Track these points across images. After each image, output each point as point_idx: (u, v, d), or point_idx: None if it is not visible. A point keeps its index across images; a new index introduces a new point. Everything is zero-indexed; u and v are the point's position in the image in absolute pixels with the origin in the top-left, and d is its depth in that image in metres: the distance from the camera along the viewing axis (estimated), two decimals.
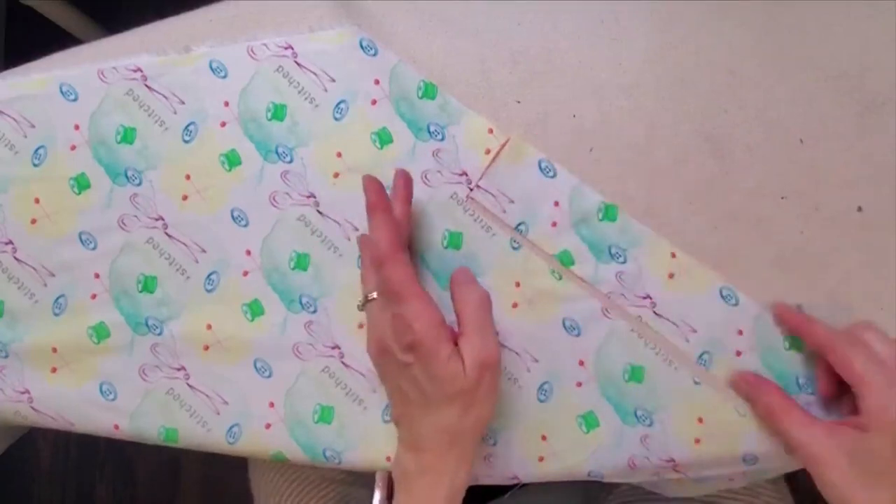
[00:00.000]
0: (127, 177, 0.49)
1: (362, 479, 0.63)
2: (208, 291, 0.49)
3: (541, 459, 0.48)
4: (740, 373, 0.47)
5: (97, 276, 0.49)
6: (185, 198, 0.49)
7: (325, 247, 0.49)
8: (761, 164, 0.48)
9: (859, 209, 0.48)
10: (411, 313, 0.40)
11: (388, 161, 0.48)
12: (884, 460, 0.40)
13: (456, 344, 0.42)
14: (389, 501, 0.45)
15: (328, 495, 0.61)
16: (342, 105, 0.49)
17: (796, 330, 0.46)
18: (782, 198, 0.48)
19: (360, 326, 0.48)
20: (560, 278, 0.48)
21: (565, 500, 0.66)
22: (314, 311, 0.49)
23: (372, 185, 0.44)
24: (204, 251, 0.49)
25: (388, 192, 0.46)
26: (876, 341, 0.43)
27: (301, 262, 0.49)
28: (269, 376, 0.49)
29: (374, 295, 0.43)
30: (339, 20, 0.49)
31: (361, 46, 0.49)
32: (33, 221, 0.49)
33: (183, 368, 0.49)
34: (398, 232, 0.43)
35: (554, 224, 0.48)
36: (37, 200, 0.49)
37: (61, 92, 0.49)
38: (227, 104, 0.49)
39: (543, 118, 0.48)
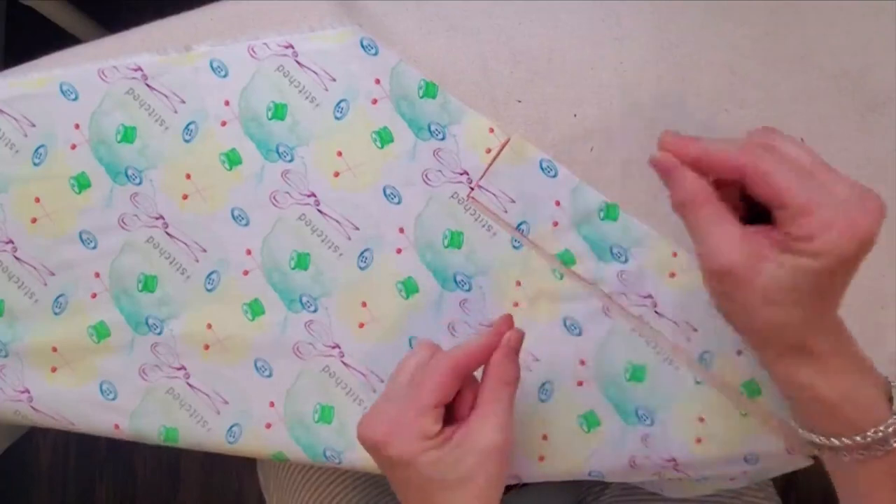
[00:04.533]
0: (127, 176, 0.49)
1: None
2: (209, 291, 0.49)
3: (541, 459, 0.48)
4: (660, 155, 0.36)
5: (97, 275, 0.49)
6: (185, 197, 0.49)
7: (325, 246, 0.49)
8: None
9: None
10: (380, 411, 0.40)
11: (389, 160, 0.48)
12: (833, 288, 0.34)
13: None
14: None
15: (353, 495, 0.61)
16: (343, 104, 0.49)
17: (690, 163, 0.35)
18: None
19: (361, 326, 0.48)
20: (561, 278, 0.48)
21: (561, 499, 0.66)
22: (314, 311, 0.48)
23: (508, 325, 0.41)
24: (204, 250, 0.49)
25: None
26: (788, 146, 0.34)
27: (301, 261, 0.49)
28: (270, 376, 0.49)
29: None
30: (340, 20, 0.49)
31: (362, 46, 0.49)
32: (33, 221, 0.49)
33: (183, 368, 0.49)
34: (480, 359, 0.40)
35: (555, 223, 0.48)
36: (37, 200, 0.49)
37: (62, 91, 0.49)
38: (227, 103, 0.49)
39: (544, 117, 0.48)
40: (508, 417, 0.39)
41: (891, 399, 0.36)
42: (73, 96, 0.49)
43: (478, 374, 0.42)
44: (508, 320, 0.41)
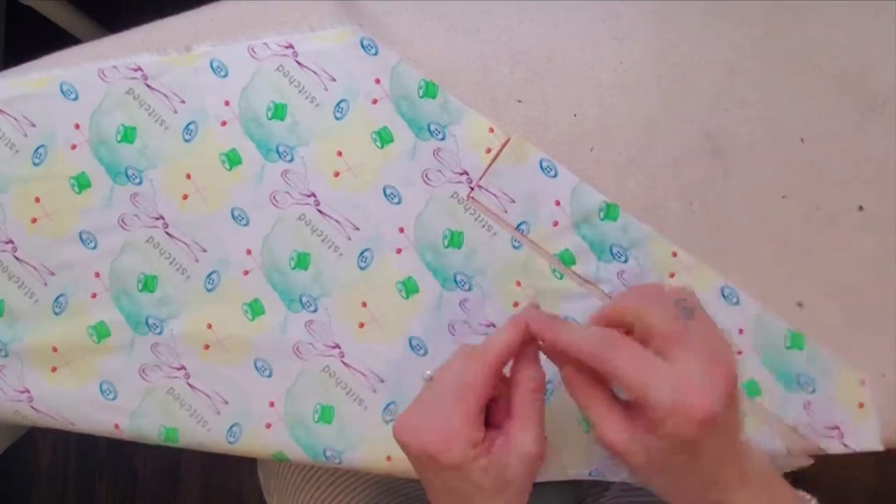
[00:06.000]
0: (127, 176, 0.49)
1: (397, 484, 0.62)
2: (209, 291, 0.49)
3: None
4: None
5: (97, 275, 0.49)
6: (185, 197, 0.49)
7: (325, 246, 0.49)
8: (762, 163, 0.48)
9: (860, 208, 0.48)
10: (456, 431, 0.38)
11: (389, 160, 0.48)
12: (707, 453, 0.36)
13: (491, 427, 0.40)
14: None
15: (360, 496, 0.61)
16: (343, 104, 0.49)
17: (541, 336, 0.40)
18: (783, 197, 0.48)
19: (361, 326, 0.48)
20: (561, 277, 0.48)
21: (561, 499, 0.66)
22: (315, 311, 0.48)
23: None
24: (204, 250, 0.49)
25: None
26: (650, 315, 0.36)
27: (301, 261, 0.49)
28: (270, 376, 0.49)
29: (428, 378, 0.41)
30: (340, 19, 0.49)
31: (362, 46, 0.49)
32: (33, 220, 0.49)
33: (183, 368, 0.49)
34: (510, 355, 0.40)
35: (555, 223, 0.48)
36: (37, 200, 0.49)
37: (62, 91, 0.49)
38: (227, 103, 0.49)
39: (544, 117, 0.48)
40: (543, 426, 0.40)
41: None
42: (73, 96, 0.49)
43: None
44: (522, 317, 0.40)
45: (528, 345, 0.40)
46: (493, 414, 0.41)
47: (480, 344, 0.40)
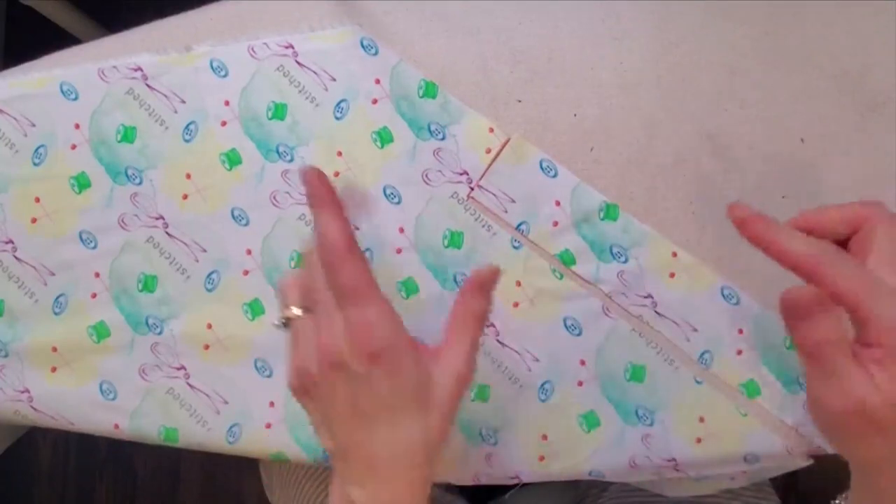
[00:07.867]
0: (127, 176, 0.49)
1: None
2: (209, 291, 0.49)
3: (541, 459, 0.48)
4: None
5: (97, 275, 0.49)
6: (185, 197, 0.49)
7: None
8: (762, 163, 0.48)
9: None
10: (376, 316, 0.36)
11: (389, 160, 0.48)
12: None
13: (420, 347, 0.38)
14: None
15: None
16: (343, 104, 0.49)
17: (757, 241, 0.36)
18: (783, 197, 0.48)
19: None
20: (561, 277, 0.48)
21: (561, 499, 0.66)
22: None
23: (316, 175, 0.38)
24: (204, 250, 0.49)
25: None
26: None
27: (301, 261, 0.49)
28: (270, 376, 0.48)
29: (299, 311, 0.38)
30: (340, 19, 0.49)
31: (362, 46, 0.49)
32: (33, 220, 0.49)
33: (183, 368, 0.49)
34: (350, 227, 0.37)
35: (555, 223, 0.48)
36: (37, 199, 0.49)
37: (62, 91, 0.49)
38: (227, 103, 0.49)
39: (544, 117, 0.48)
40: (475, 351, 0.38)
41: None
42: (73, 96, 0.49)
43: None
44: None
45: (477, 280, 0.38)
46: None
47: None
